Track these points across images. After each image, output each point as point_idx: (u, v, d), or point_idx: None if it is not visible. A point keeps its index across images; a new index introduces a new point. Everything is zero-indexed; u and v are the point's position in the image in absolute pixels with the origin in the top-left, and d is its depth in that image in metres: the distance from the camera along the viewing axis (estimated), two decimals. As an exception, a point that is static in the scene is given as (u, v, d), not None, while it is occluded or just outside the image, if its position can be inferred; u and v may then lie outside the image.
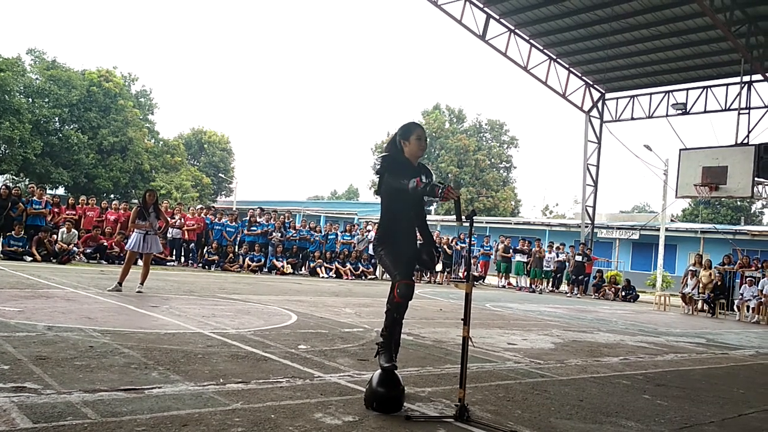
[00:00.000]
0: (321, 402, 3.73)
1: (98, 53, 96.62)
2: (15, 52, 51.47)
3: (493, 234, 34.90)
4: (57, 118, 37.75)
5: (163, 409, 3.26)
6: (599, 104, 23.94)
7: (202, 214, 17.50)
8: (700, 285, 16.51)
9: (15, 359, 4.10)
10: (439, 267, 19.62)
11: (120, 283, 8.81)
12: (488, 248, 21.62)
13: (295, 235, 18.23)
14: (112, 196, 37.77)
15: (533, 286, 20.34)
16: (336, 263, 18.23)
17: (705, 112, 20.77)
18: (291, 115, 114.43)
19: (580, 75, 23.11)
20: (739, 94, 18.56)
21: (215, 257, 16.51)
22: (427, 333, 7.24)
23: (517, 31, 20.88)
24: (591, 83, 23.48)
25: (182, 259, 16.77)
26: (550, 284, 20.80)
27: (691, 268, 17.38)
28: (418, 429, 3.37)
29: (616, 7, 18.30)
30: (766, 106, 18.95)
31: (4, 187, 15.01)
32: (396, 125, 3.98)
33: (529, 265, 20.59)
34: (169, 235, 15.70)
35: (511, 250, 21.22)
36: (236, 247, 17.11)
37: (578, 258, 20.41)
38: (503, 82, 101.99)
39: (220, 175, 52.61)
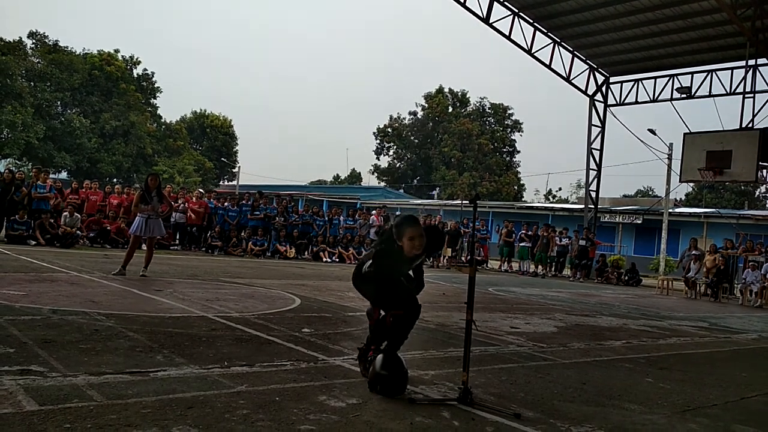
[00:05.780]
0: (325, 385, 3.76)
1: (100, 36, 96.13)
2: (17, 36, 51.33)
3: (496, 219, 34.78)
4: (59, 102, 37.70)
5: (168, 392, 3.28)
6: (603, 88, 23.75)
7: (204, 198, 17.54)
8: (704, 269, 16.49)
9: (20, 342, 4.12)
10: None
11: (124, 267, 8.84)
12: (483, 232, 21.64)
13: (298, 219, 18.23)
14: (114, 180, 37.81)
15: (543, 271, 20.25)
16: (339, 248, 18.25)
17: (710, 96, 20.59)
18: (294, 99, 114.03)
19: (584, 58, 22.91)
20: (744, 78, 18.40)
21: (218, 242, 16.53)
22: (431, 317, 7.25)
23: (521, 13, 20.65)
24: (595, 67, 23.28)
25: (185, 243, 16.82)
26: (553, 269, 20.80)
27: (694, 252, 17.34)
28: (421, 411, 3.39)
29: (621, -11, 18.11)
30: (771, 90, 18.78)
31: (7, 171, 15.03)
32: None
33: (535, 249, 20.51)
34: (172, 220, 15.73)
35: (514, 235, 21.21)
36: (239, 231, 17.13)
37: (582, 242, 20.38)
38: (507, 66, 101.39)
39: (222, 159, 52.52)
